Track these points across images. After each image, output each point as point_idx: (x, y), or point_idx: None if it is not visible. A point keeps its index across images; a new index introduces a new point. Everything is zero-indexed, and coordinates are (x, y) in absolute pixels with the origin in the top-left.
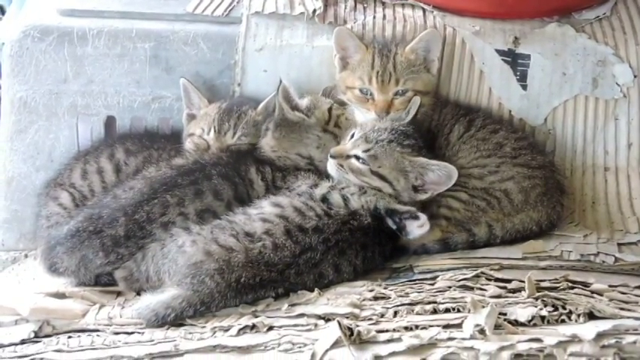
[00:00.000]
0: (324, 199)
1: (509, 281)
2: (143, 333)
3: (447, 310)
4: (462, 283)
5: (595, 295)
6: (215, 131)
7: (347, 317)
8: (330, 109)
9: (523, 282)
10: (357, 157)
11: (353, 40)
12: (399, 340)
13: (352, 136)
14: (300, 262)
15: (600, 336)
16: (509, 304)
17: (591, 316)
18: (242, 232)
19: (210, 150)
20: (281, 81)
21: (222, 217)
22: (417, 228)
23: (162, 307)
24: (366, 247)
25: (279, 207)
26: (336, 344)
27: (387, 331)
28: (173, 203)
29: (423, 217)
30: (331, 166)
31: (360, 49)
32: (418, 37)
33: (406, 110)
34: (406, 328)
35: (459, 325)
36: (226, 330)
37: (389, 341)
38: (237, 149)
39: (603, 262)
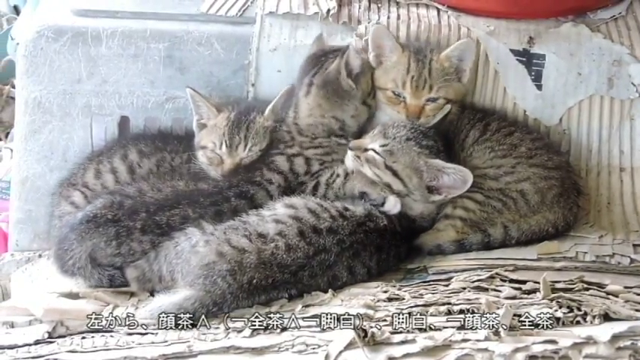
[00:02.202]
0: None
1: (523, 282)
2: (157, 334)
3: (461, 312)
4: (476, 284)
5: (610, 297)
6: (227, 146)
7: (361, 318)
8: (371, 78)
9: (538, 283)
10: (374, 151)
11: (390, 40)
12: (413, 341)
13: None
14: (313, 263)
15: (616, 338)
16: (524, 305)
17: (607, 317)
18: (255, 233)
19: (224, 165)
20: (349, 46)
21: (236, 218)
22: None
23: (174, 308)
24: (381, 249)
25: (292, 208)
26: (350, 345)
27: (401, 332)
28: (193, 217)
29: (391, 199)
30: (348, 158)
31: (396, 51)
32: (454, 45)
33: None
34: (420, 330)
35: (473, 327)
36: (240, 331)
37: (403, 342)
38: (250, 161)
39: (619, 263)
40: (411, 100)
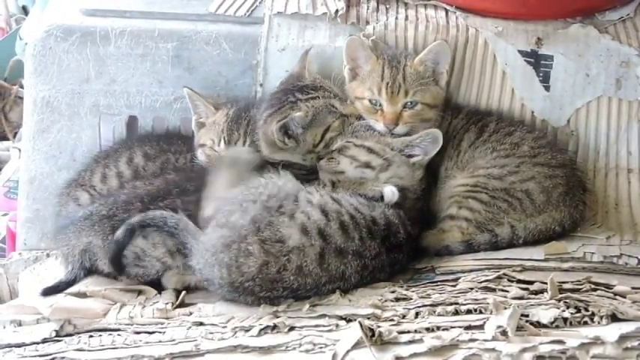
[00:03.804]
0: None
1: (531, 283)
2: (164, 332)
3: (468, 312)
4: (484, 284)
5: (618, 297)
6: (225, 142)
7: (368, 318)
8: (325, 131)
9: (545, 283)
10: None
11: (364, 51)
12: (420, 341)
13: None
14: (323, 290)
15: (623, 338)
16: (532, 305)
17: (614, 318)
18: (274, 236)
19: None
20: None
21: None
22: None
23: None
24: (395, 263)
25: (325, 216)
26: (357, 345)
27: (408, 332)
28: (182, 208)
29: (387, 191)
30: (322, 170)
31: (370, 60)
32: (427, 48)
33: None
34: (428, 330)
35: (480, 327)
36: (247, 330)
37: (410, 342)
38: None
39: (626, 264)
40: (388, 107)
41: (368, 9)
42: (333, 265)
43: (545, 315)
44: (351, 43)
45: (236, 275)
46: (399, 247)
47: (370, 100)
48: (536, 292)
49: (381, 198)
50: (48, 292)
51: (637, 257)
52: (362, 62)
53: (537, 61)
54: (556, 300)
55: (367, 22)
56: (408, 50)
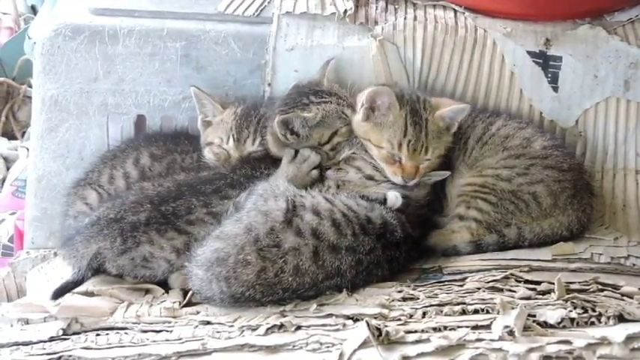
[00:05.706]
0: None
1: (538, 283)
2: (171, 331)
3: (475, 312)
4: (491, 284)
5: (625, 298)
6: (234, 140)
7: (375, 317)
8: (333, 134)
9: (553, 284)
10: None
11: (389, 99)
12: (427, 340)
13: None
14: (321, 287)
15: (630, 339)
16: (539, 305)
17: (621, 318)
18: (269, 242)
19: (231, 159)
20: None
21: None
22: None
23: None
24: (392, 260)
25: (317, 216)
26: (364, 344)
27: (415, 331)
28: (199, 205)
29: (390, 196)
30: (330, 177)
31: (393, 110)
32: (450, 108)
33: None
34: (435, 329)
35: (487, 327)
36: (254, 329)
37: (417, 342)
38: (257, 156)
39: (634, 265)
40: (407, 162)
41: (377, 9)
42: (327, 261)
43: (552, 315)
44: (380, 91)
45: (236, 286)
46: (396, 245)
47: (389, 152)
48: (543, 293)
49: (384, 201)
50: (57, 294)
51: None
52: (384, 109)
53: (546, 62)
54: (563, 300)
55: (376, 23)
56: (423, 94)
